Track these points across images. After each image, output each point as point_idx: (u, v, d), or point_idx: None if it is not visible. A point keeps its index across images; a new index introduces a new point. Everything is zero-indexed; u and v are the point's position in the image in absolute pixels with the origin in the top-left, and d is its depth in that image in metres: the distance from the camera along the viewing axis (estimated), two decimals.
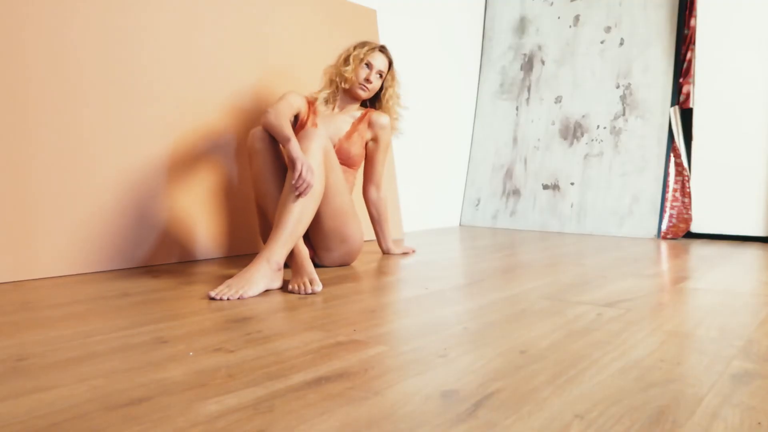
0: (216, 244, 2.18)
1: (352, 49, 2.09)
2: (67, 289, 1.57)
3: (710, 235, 3.02)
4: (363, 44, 2.10)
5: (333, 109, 2.13)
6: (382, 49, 2.12)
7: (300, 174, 1.61)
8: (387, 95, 2.16)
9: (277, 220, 1.63)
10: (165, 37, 2.07)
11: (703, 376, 0.90)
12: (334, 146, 2.03)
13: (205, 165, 2.16)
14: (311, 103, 2.09)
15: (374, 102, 2.21)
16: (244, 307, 1.37)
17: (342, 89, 2.11)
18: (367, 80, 2.06)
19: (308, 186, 1.62)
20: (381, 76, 2.11)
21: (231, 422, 0.72)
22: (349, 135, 2.05)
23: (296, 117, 2.06)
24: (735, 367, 0.95)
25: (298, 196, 1.63)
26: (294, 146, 1.66)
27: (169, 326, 1.18)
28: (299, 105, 2.03)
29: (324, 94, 2.11)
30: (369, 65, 2.07)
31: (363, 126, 2.09)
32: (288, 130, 1.72)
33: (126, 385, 0.84)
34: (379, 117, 2.10)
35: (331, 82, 2.11)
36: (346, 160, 2.04)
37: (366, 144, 2.13)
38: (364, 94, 2.09)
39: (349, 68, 2.04)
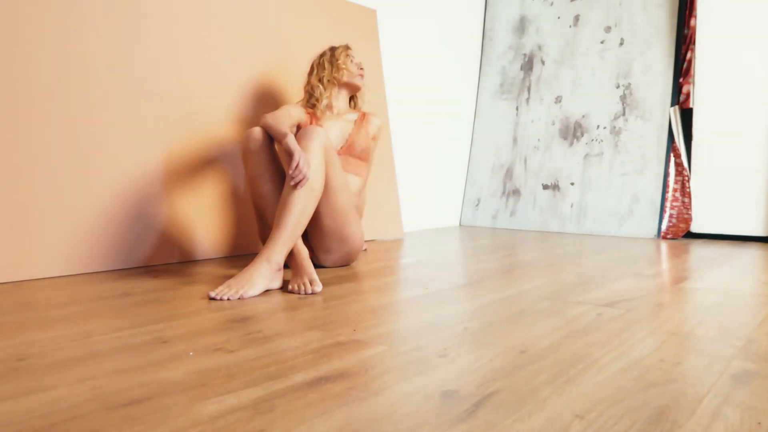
0: (216, 245, 2.18)
1: (329, 52, 2.17)
2: (67, 289, 1.57)
3: (710, 235, 3.02)
4: (333, 47, 2.19)
5: (332, 111, 2.16)
6: (350, 47, 2.21)
7: (297, 164, 1.62)
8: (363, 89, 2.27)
9: (276, 220, 1.64)
10: (165, 38, 2.07)
11: (703, 376, 0.90)
12: (347, 142, 2.09)
13: (205, 165, 2.16)
14: (312, 114, 2.10)
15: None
16: (244, 307, 1.37)
17: (337, 87, 2.16)
18: (361, 68, 2.18)
19: (305, 177, 1.63)
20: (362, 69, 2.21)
21: (231, 422, 0.72)
22: (357, 130, 2.13)
23: (298, 127, 2.07)
24: (735, 367, 0.95)
25: (295, 186, 1.63)
26: (291, 139, 1.69)
27: (169, 326, 1.18)
28: (299, 115, 2.06)
29: (325, 101, 2.12)
30: (353, 58, 2.18)
31: (365, 124, 2.17)
32: (285, 127, 1.76)
33: (126, 385, 0.84)
34: (376, 118, 2.21)
35: (324, 86, 2.12)
36: (360, 153, 2.10)
37: None
38: (362, 81, 2.19)
39: (341, 60, 2.13)
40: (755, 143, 2.90)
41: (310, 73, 2.17)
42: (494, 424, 0.72)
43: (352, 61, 2.15)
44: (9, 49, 1.70)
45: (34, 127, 1.74)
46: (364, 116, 2.18)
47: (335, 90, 2.15)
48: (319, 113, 2.10)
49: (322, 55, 2.17)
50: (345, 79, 2.13)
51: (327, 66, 2.13)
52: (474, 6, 3.83)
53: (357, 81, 2.16)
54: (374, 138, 2.20)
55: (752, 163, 2.90)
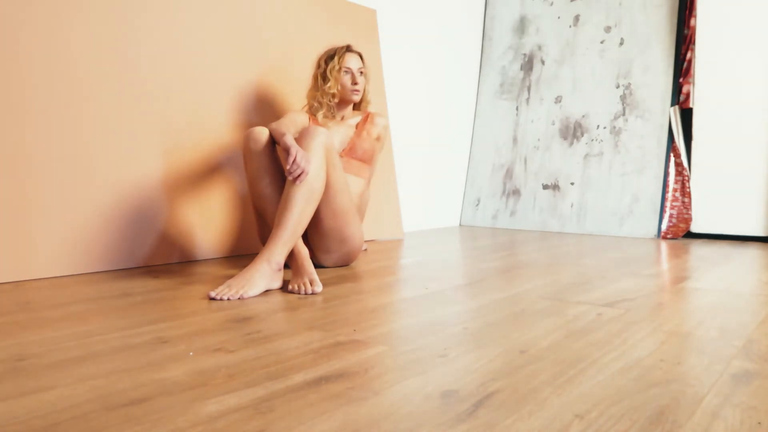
0: (216, 245, 2.18)
1: (323, 64, 2.10)
2: (67, 289, 1.57)
3: (710, 235, 3.02)
4: (331, 54, 2.11)
5: (334, 118, 2.16)
6: (350, 49, 2.13)
7: (294, 159, 1.62)
8: (367, 89, 2.19)
9: (277, 221, 1.64)
10: (165, 38, 2.07)
11: (703, 376, 0.90)
12: (349, 144, 2.09)
13: (205, 165, 2.16)
14: (315, 121, 2.11)
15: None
16: (244, 307, 1.37)
17: (333, 103, 2.12)
18: (355, 83, 2.09)
19: (303, 171, 1.63)
20: (362, 72, 2.13)
21: (231, 422, 0.72)
22: (359, 133, 2.12)
23: None
24: (735, 367, 0.95)
25: (294, 180, 1.63)
26: (288, 137, 1.69)
27: (169, 326, 1.18)
28: (303, 121, 2.07)
29: (321, 116, 2.12)
30: (348, 70, 2.09)
31: (369, 125, 2.15)
32: (286, 129, 1.77)
33: (126, 385, 0.84)
34: (381, 118, 2.18)
35: (320, 103, 2.11)
36: (362, 156, 2.10)
37: None
38: (358, 97, 2.12)
39: (331, 83, 2.06)
40: (755, 143, 2.90)
41: (311, 82, 2.16)
42: (494, 424, 0.72)
43: (347, 72, 2.08)
44: (8, 50, 1.70)
45: (34, 127, 1.74)
46: (367, 117, 2.16)
47: (332, 104, 2.13)
48: (320, 122, 2.11)
49: (318, 67, 2.12)
50: (337, 99, 2.11)
51: (320, 82, 2.09)
52: (474, 6, 3.83)
53: (350, 97, 2.10)
54: (378, 138, 2.17)
55: (752, 163, 2.90)
